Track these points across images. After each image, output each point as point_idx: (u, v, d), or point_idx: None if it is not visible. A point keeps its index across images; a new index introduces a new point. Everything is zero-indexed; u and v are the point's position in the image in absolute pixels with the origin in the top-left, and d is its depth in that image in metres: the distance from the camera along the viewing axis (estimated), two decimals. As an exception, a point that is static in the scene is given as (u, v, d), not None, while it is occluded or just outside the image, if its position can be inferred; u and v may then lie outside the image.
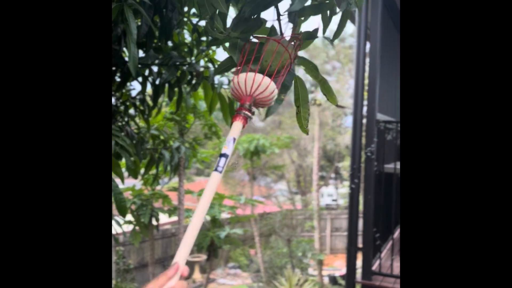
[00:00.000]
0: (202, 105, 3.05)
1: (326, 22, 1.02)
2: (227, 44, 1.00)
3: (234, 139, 0.83)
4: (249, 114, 0.84)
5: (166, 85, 1.89)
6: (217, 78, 1.94)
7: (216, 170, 0.79)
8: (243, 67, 0.91)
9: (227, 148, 0.81)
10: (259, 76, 0.84)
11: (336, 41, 1.03)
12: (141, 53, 1.81)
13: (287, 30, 1.00)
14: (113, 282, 4.53)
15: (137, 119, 2.44)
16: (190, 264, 10.02)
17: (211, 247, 4.53)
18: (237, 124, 0.83)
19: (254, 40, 0.97)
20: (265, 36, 0.96)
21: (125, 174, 1.84)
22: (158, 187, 4.40)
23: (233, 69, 1.01)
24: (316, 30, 0.99)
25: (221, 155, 0.80)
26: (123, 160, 1.71)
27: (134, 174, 1.54)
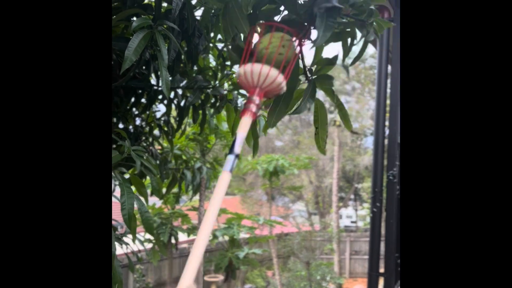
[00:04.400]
0: (224, 126, 3.10)
1: (346, 49, 1.04)
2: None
3: (243, 135, 0.78)
4: (257, 107, 0.80)
5: (191, 107, 1.94)
6: (240, 101, 1.98)
7: (226, 170, 0.75)
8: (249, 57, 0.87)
9: (237, 146, 0.77)
10: (266, 68, 0.80)
11: (357, 62, 1.05)
12: (167, 77, 1.87)
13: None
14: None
15: (161, 140, 2.50)
16: (207, 284, 9.92)
17: (229, 268, 4.50)
18: (246, 120, 0.79)
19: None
20: (273, 23, 0.92)
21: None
22: (177, 206, 4.43)
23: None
24: (335, 57, 1.00)
25: (231, 153, 0.76)
26: (147, 179, 1.75)
27: (158, 194, 1.57)
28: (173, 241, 4.37)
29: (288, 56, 0.86)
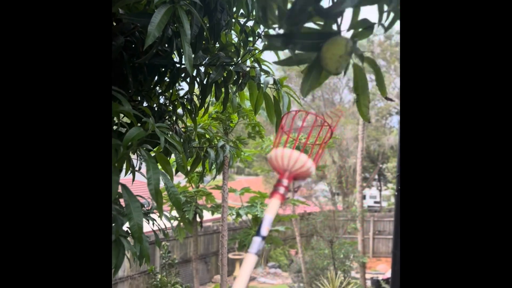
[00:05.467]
0: (247, 104, 3.08)
1: (381, 12, 0.99)
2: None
3: (271, 218, 0.79)
4: (286, 190, 0.82)
5: (213, 85, 1.93)
6: (263, 78, 1.95)
7: (252, 252, 0.74)
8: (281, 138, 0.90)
9: (264, 228, 0.77)
10: (296, 153, 0.82)
11: (382, 39, 1.00)
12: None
13: (344, 21, 0.97)
14: (159, 276, 4.69)
15: (184, 119, 2.52)
16: (231, 262, 10.15)
17: (253, 246, 4.57)
18: (275, 202, 0.81)
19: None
20: (305, 110, 0.96)
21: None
22: (201, 185, 4.49)
23: (298, 67, 1.00)
24: (372, 25, 0.96)
25: (258, 235, 0.76)
26: (172, 157, 1.77)
27: (183, 170, 1.59)
28: (198, 219, 4.46)
29: (318, 142, 0.90)
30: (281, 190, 0.82)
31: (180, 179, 4.76)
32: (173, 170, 2.01)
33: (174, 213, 4.42)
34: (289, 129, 0.92)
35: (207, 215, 4.61)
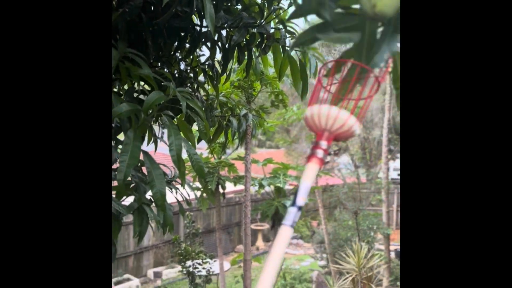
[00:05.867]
0: (270, 71, 2.97)
1: None
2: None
3: (308, 185, 0.68)
4: (326, 154, 0.71)
5: (236, 48, 1.84)
6: (288, 40, 1.84)
7: (287, 224, 0.66)
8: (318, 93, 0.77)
9: (300, 198, 0.67)
10: (335, 110, 0.71)
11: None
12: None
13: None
14: (183, 245, 4.78)
15: (206, 87, 2.45)
16: (254, 232, 10.30)
17: (276, 216, 4.56)
18: (313, 167, 0.70)
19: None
20: (345, 59, 0.80)
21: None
22: (223, 157, 4.47)
23: (315, 43, 0.88)
24: None
25: (293, 205, 0.67)
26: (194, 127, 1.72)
27: (205, 137, 1.53)
28: (220, 190, 4.47)
29: (362, 96, 0.77)
30: (320, 153, 0.71)
31: (201, 151, 4.76)
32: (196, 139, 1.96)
33: (198, 184, 4.44)
34: (329, 82, 0.79)
35: (229, 186, 4.61)
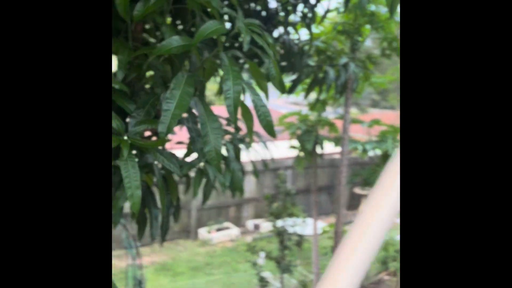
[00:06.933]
0: (382, 10, 2.41)
1: None
2: None
3: None
4: None
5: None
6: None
7: None
8: None
9: None
10: None
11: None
12: None
13: None
14: (275, 204, 4.65)
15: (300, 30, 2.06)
16: (358, 197, 9.83)
17: (379, 184, 4.08)
18: None
19: None
20: None
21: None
22: (324, 114, 4.09)
23: None
24: None
25: None
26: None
27: (277, 82, 1.19)
28: (319, 150, 4.14)
29: None
30: None
31: (301, 108, 4.43)
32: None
33: (295, 142, 4.18)
34: None
35: (329, 147, 4.24)
